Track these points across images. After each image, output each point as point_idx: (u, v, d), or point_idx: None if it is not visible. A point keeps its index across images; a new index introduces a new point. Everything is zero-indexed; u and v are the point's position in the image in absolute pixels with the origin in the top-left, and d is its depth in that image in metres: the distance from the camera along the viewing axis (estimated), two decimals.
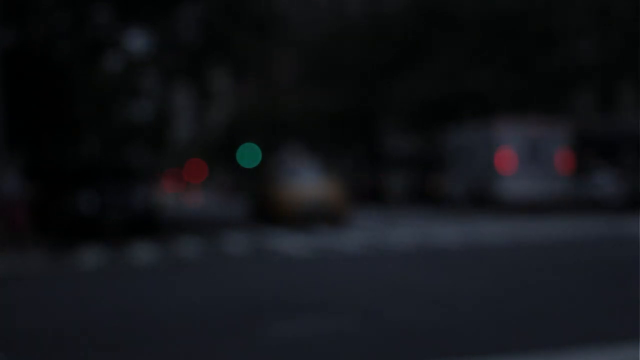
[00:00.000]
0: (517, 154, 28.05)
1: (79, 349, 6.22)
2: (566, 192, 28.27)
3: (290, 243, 16.12)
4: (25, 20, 21.37)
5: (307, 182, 22.44)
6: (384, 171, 42.34)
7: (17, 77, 19.15)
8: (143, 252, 15.37)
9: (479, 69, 34.42)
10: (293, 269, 11.53)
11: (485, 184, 28.66)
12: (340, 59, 42.64)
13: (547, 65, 34.43)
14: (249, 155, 65.33)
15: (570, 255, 11.65)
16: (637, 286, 8.06)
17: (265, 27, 24.93)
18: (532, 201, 27.79)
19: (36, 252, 16.05)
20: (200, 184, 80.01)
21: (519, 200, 27.72)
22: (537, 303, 7.47)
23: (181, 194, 65.81)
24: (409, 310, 7.30)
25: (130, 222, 19.93)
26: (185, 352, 5.91)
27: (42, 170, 20.36)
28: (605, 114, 38.62)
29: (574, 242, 13.91)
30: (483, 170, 28.77)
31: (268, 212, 22.65)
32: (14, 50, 19.97)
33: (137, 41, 29.61)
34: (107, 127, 38.48)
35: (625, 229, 16.93)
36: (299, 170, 23.28)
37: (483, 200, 28.65)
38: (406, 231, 17.95)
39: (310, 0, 53.26)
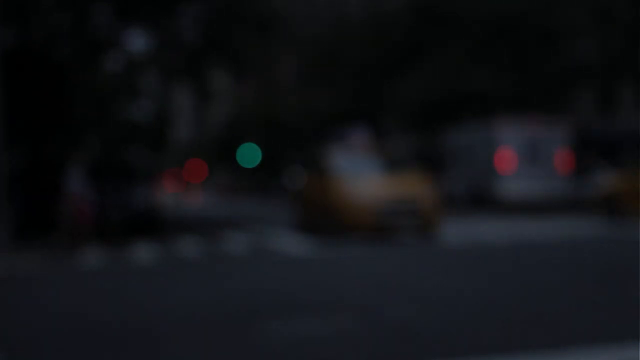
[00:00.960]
0: (517, 154, 28.06)
1: (79, 349, 6.22)
2: (566, 192, 28.28)
3: (290, 243, 16.12)
4: (25, 20, 21.37)
5: (385, 178, 16.75)
6: None
7: (17, 77, 19.16)
8: (143, 252, 15.37)
9: (479, 69, 34.42)
10: (293, 268, 11.54)
11: (485, 184, 28.68)
12: (340, 59, 42.65)
13: (547, 65, 34.43)
14: (249, 155, 65.35)
15: (570, 255, 11.66)
16: (637, 286, 8.06)
17: (266, 27, 24.93)
18: (532, 201, 27.80)
19: (94, 249, 16.25)
20: (200, 184, 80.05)
21: (519, 200, 27.73)
22: (537, 303, 7.47)
23: (181, 194, 65.83)
24: (410, 310, 7.30)
25: (131, 221, 19.96)
26: (184, 352, 5.92)
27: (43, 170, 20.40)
28: (605, 114, 38.62)
29: (574, 242, 13.91)
30: (483, 170, 28.79)
31: (328, 220, 16.58)
32: (14, 50, 19.98)
33: (137, 41, 29.64)
34: (107, 127, 38.50)
35: (625, 229, 16.93)
36: (371, 162, 17.49)
37: (483, 200, 28.66)
38: None
39: (309, 0, 53.27)
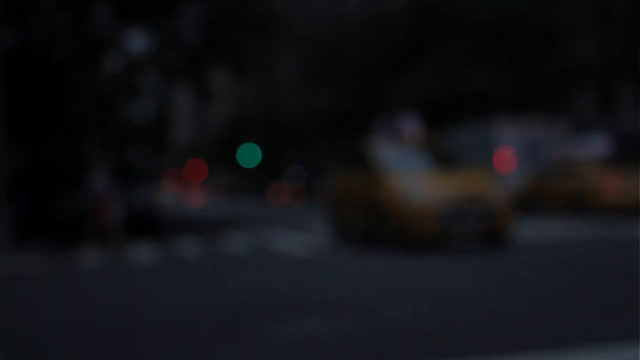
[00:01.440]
0: (516, 154, 28.05)
1: (79, 349, 6.22)
2: None
3: (290, 243, 16.12)
4: (25, 20, 21.38)
5: (446, 175, 14.17)
6: None
7: (17, 77, 19.18)
8: (143, 252, 15.37)
9: (479, 69, 34.43)
10: (293, 269, 11.54)
11: None
12: (340, 59, 42.67)
13: (547, 65, 34.45)
14: (249, 155, 65.36)
15: (570, 255, 11.65)
16: (637, 286, 8.06)
17: (266, 27, 24.95)
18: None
19: (121, 249, 16.33)
20: (201, 184, 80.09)
21: (519, 200, 27.70)
22: (537, 303, 7.47)
23: (181, 194, 65.87)
24: (409, 310, 7.30)
25: (131, 221, 19.99)
26: (184, 353, 5.91)
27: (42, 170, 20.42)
28: (605, 114, 38.62)
29: (574, 242, 13.90)
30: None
31: (375, 225, 13.90)
32: (14, 50, 19.99)
33: (137, 41, 29.64)
34: (107, 127, 38.50)
35: (625, 229, 16.93)
36: (426, 156, 14.95)
37: None
38: None
39: (309, 0, 53.27)
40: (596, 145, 24.68)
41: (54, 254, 15.79)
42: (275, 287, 9.39)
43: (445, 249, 13.15)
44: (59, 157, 21.14)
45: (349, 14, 48.42)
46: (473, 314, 6.99)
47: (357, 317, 7.03)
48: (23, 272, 13.19)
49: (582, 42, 35.76)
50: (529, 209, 24.22)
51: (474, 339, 5.93)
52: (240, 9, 24.28)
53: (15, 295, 10.31)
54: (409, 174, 13.89)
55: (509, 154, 28.03)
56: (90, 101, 30.91)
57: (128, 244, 17.09)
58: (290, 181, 57.56)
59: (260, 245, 15.83)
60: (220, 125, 75.57)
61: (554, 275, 9.55)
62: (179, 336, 6.49)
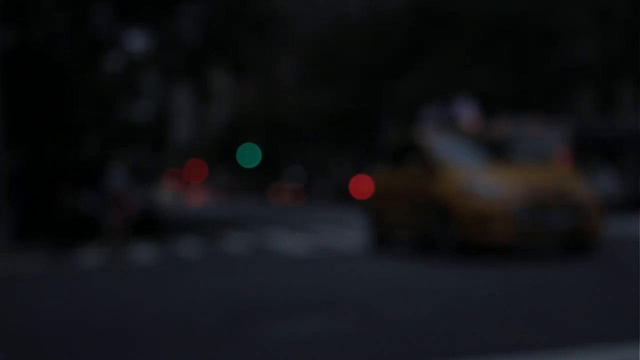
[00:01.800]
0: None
1: (79, 349, 6.22)
2: None
3: (290, 243, 16.12)
4: (25, 20, 21.39)
5: (520, 168, 12.21)
6: None
7: (17, 77, 19.18)
8: (143, 252, 15.37)
9: (479, 69, 34.43)
10: (293, 269, 11.53)
11: None
12: (340, 59, 42.67)
13: (547, 65, 34.43)
14: (249, 155, 65.38)
15: (570, 255, 11.64)
16: (637, 286, 8.06)
17: (266, 27, 24.95)
18: None
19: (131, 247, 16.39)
20: (201, 183, 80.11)
21: None
22: (537, 303, 7.47)
23: (181, 194, 65.90)
24: (410, 310, 7.30)
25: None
26: (184, 353, 5.91)
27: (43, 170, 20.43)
28: (605, 114, 38.62)
29: None
30: None
31: (433, 230, 11.79)
32: (14, 50, 20.00)
33: (137, 41, 29.66)
34: (107, 127, 38.52)
35: (625, 229, 16.93)
36: (490, 147, 12.86)
37: None
38: None
39: (309, 0, 53.28)
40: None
41: (54, 254, 15.80)
42: (275, 287, 9.38)
43: (523, 255, 11.56)
44: (59, 157, 21.14)
45: (349, 14, 48.39)
46: (470, 312, 6.99)
47: (357, 316, 7.03)
48: (23, 272, 13.19)
49: (582, 42, 35.74)
50: None
51: (474, 339, 5.93)
52: (240, 9, 24.28)
53: (15, 295, 10.31)
54: (475, 166, 12.01)
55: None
56: (90, 101, 30.91)
57: (128, 243, 17.10)
58: (290, 181, 57.55)
59: (260, 245, 15.83)
60: (220, 125, 75.59)
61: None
62: (179, 336, 6.49)
